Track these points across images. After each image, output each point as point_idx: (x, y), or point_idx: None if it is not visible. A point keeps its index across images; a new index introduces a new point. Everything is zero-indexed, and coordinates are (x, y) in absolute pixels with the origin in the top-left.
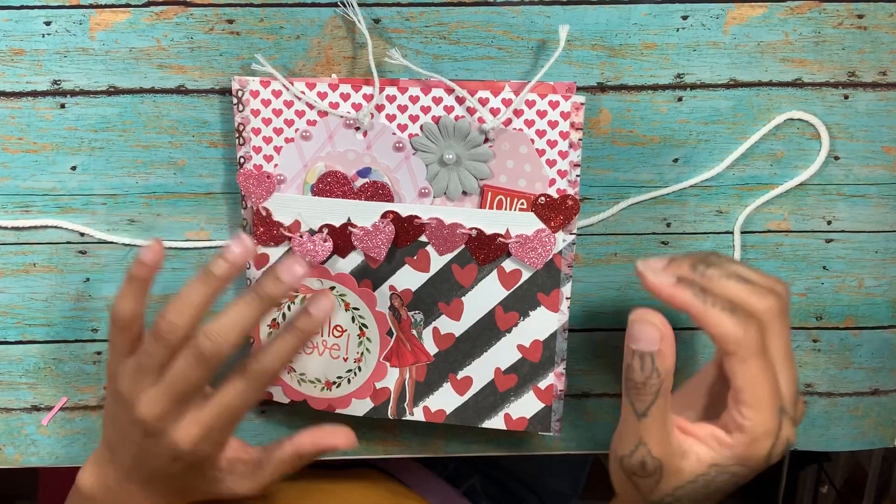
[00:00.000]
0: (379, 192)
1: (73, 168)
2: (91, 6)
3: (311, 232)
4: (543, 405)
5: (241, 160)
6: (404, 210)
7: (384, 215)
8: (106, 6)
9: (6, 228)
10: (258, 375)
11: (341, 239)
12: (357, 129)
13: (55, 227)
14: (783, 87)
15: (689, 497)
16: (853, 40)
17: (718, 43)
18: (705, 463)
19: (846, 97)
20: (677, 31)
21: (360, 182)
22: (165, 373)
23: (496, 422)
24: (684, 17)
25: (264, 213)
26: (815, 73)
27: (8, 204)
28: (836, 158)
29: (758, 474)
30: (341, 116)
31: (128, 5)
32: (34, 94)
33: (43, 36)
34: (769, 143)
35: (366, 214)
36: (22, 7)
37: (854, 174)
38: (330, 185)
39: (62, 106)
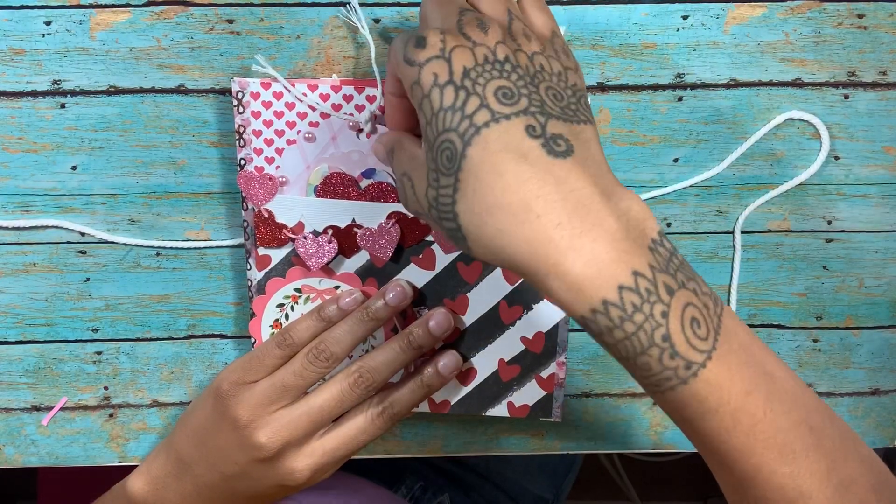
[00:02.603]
0: (384, 192)
1: (73, 168)
2: (91, 6)
3: (315, 233)
4: (545, 393)
5: (242, 162)
6: None
7: (390, 216)
8: (106, 6)
9: (6, 228)
10: (389, 419)
11: (346, 240)
12: (360, 130)
13: (55, 226)
14: (783, 87)
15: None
16: (853, 40)
17: (718, 43)
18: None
19: (846, 97)
20: (677, 31)
21: (365, 183)
22: (307, 401)
23: (499, 410)
24: (684, 17)
25: (266, 216)
26: (815, 73)
27: (8, 204)
28: (836, 158)
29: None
30: (344, 119)
31: (128, 5)
32: (34, 94)
33: (43, 36)
34: (769, 143)
35: (371, 215)
36: (22, 7)
37: (854, 174)
38: (335, 186)
39: (62, 106)
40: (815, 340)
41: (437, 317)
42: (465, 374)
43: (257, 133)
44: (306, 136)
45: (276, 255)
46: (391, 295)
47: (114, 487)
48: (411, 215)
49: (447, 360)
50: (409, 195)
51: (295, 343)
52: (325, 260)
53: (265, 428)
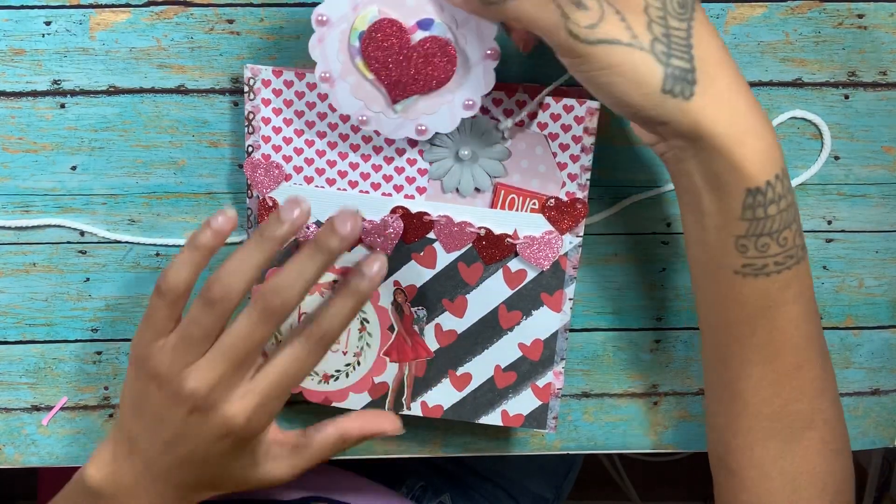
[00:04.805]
0: (440, 51)
1: (73, 168)
2: (91, 6)
3: (318, 224)
4: (540, 402)
5: (249, 149)
6: (414, 206)
7: (393, 210)
8: (106, 6)
9: (6, 228)
10: (320, 340)
11: None
12: None
13: (55, 225)
14: (783, 87)
15: None
16: (853, 40)
17: None
18: None
19: (846, 97)
20: None
21: (419, 35)
22: (218, 341)
23: (493, 418)
24: None
25: (271, 204)
26: (815, 73)
27: (8, 204)
28: (837, 158)
29: None
30: None
31: (128, 5)
32: (34, 94)
33: (43, 36)
34: None
35: (375, 208)
36: (22, 7)
37: (854, 174)
38: (383, 36)
39: (62, 106)
40: None
41: (341, 215)
42: (460, 380)
43: (266, 120)
44: None
45: None
46: (294, 213)
47: (69, 482)
48: (414, 210)
49: (370, 260)
50: (615, 23)
51: (171, 287)
52: None
53: (187, 378)
